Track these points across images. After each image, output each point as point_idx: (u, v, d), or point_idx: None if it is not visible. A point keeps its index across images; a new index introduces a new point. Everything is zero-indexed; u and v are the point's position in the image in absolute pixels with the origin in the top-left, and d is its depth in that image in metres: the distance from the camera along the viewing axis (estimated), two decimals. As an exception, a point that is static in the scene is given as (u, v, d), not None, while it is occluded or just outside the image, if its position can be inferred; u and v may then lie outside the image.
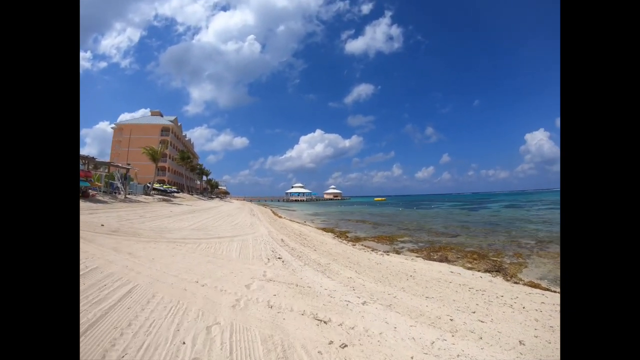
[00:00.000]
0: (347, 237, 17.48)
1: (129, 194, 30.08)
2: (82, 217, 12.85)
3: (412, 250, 13.31)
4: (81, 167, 23.78)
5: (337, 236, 17.33)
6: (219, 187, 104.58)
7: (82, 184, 20.37)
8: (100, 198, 22.76)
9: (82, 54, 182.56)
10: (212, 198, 74.49)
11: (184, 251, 8.44)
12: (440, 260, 11.01)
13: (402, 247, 14.18)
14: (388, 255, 11.73)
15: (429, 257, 11.64)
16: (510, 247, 13.78)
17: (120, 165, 31.54)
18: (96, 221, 12.35)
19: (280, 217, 30.65)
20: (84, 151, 31.13)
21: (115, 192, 28.14)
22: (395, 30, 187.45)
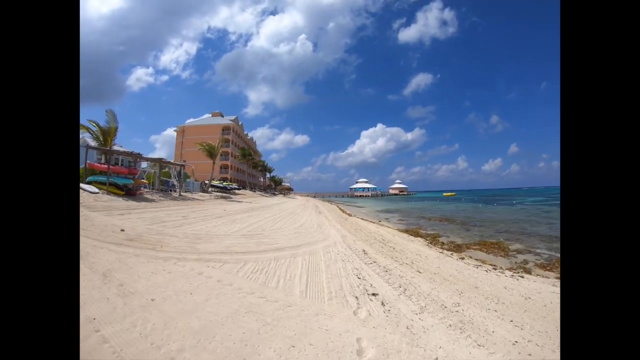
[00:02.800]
0: (443, 243, 13.57)
1: (185, 191, 28.13)
2: (105, 219, 10.07)
3: (541, 267, 9.83)
4: (126, 163, 21.84)
5: (431, 243, 13.49)
6: (283, 184, 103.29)
7: (124, 182, 18.24)
8: (149, 196, 20.56)
9: (145, 70, 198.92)
10: (275, 194, 72.62)
11: (214, 279, 5.09)
12: None
13: (526, 262, 10.53)
14: (521, 277, 7.92)
15: None
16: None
17: (172, 162, 29.54)
18: (120, 224, 9.42)
19: (349, 215, 26.98)
20: (152, 155, 29.84)
21: (170, 190, 26.32)
22: (449, 14, 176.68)
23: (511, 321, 4.80)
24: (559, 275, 8.64)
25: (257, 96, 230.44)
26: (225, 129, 73.39)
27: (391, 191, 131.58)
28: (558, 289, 6.85)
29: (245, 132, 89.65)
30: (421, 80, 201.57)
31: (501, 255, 11.55)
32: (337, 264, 7.12)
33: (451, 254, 10.98)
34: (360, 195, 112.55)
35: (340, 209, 35.12)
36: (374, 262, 7.88)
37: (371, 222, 21.28)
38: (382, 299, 5.04)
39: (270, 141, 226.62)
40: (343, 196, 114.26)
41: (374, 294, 5.22)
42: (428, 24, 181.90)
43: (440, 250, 11.49)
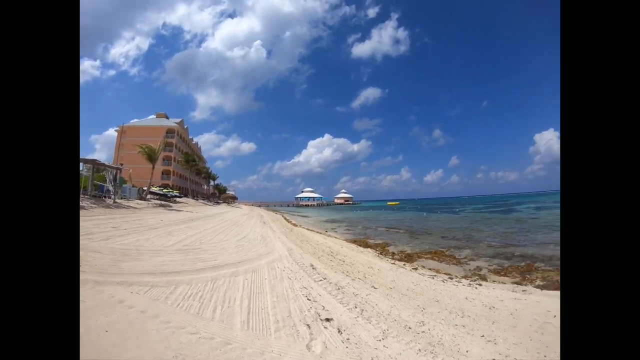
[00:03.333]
0: (394, 253, 13.29)
1: (120, 198, 26.03)
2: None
3: (495, 272, 10.06)
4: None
5: (381, 253, 13.15)
6: (227, 192, 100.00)
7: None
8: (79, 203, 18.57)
9: (91, 63, 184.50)
10: (218, 203, 69.85)
11: (137, 310, 4.23)
12: (557, 289, 7.65)
13: (479, 268, 10.64)
14: (479, 285, 7.83)
15: (537, 284, 8.42)
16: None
17: (107, 164, 27.24)
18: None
19: (295, 225, 26.23)
20: (92, 157, 27.00)
21: (104, 196, 24.12)
22: (402, 33, 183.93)
23: (482, 336, 4.46)
24: (515, 280, 8.92)
25: (206, 100, 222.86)
26: (170, 132, 68.67)
27: (336, 200, 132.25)
28: (519, 295, 6.89)
29: (191, 137, 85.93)
30: (370, 94, 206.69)
31: (453, 263, 11.55)
32: (283, 282, 6.37)
33: (404, 264, 10.71)
34: (305, 205, 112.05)
35: (285, 218, 34.25)
36: (324, 278, 7.24)
37: (318, 232, 20.70)
38: (339, 325, 4.39)
39: (216, 147, 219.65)
40: (288, 205, 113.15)
41: (328, 319, 4.54)
42: (382, 41, 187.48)
43: (392, 261, 11.14)
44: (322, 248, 12.57)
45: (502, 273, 9.99)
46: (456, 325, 4.81)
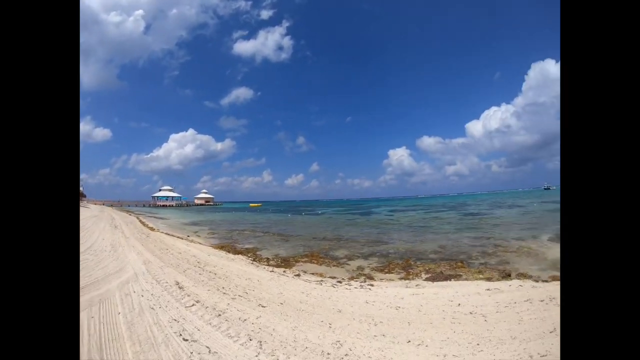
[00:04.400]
0: (269, 259, 12.49)
1: None
2: None
3: (379, 270, 10.23)
4: None
5: (255, 260, 12.21)
6: None
7: None
8: None
9: None
10: None
11: None
12: (446, 279, 8.35)
13: (361, 268, 10.70)
14: (371, 286, 7.77)
15: (424, 277, 8.83)
16: (476, 247, 13.48)
17: None
18: None
19: (152, 229, 23.33)
20: None
21: None
22: (287, 42, 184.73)
23: (409, 341, 4.22)
24: (401, 276, 9.07)
25: None
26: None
27: (197, 201, 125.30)
28: (414, 290, 7.05)
29: None
30: (242, 93, 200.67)
31: (334, 265, 11.48)
32: (144, 316, 5.00)
33: (283, 271, 10.11)
34: (163, 205, 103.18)
35: (140, 221, 30.46)
36: (197, 301, 6.06)
37: (179, 237, 18.62)
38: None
39: None
40: (144, 205, 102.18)
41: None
42: (266, 44, 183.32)
43: (270, 269, 10.43)
44: (186, 258, 11.05)
45: (385, 270, 10.06)
46: (375, 336, 4.43)
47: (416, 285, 7.65)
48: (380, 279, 8.83)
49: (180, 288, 6.95)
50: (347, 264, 11.38)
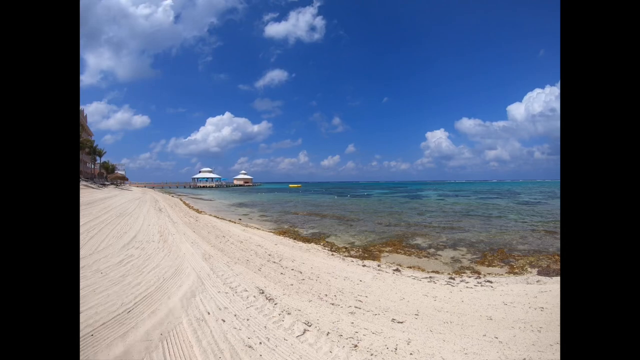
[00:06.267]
0: (348, 250, 10.34)
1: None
2: None
3: (479, 263, 9.08)
4: None
5: (333, 250, 10.10)
6: (116, 172, 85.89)
7: None
8: None
9: None
10: (105, 185, 58.80)
11: None
12: (559, 274, 7.48)
13: (456, 259, 9.46)
14: (488, 282, 6.82)
15: (541, 273, 7.90)
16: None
17: None
18: None
19: (199, 212, 21.52)
20: None
21: None
22: (320, 22, 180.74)
23: None
24: (507, 270, 8.21)
25: (97, 62, 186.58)
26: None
27: (236, 182, 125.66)
28: (539, 287, 6.36)
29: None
30: (276, 75, 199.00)
31: (424, 256, 9.75)
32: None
33: (378, 265, 8.18)
34: (203, 186, 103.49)
35: (185, 203, 28.91)
36: (307, 323, 4.11)
37: (230, 221, 16.59)
38: None
39: (106, 119, 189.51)
40: (185, 187, 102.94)
41: None
42: (298, 25, 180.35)
43: (361, 262, 8.38)
44: (251, 248, 8.85)
45: (485, 263, 8.97)
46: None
47: (537, 282, 6.82)
48: (488, 274, 7.78)
49: (268, 299, 4.72)
50: (438, 255, 9.90)
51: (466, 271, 8.06)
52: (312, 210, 25.35)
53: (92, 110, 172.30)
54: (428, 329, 4.16)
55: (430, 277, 7.16)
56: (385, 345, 3.61)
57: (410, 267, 8.25)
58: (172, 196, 40.20)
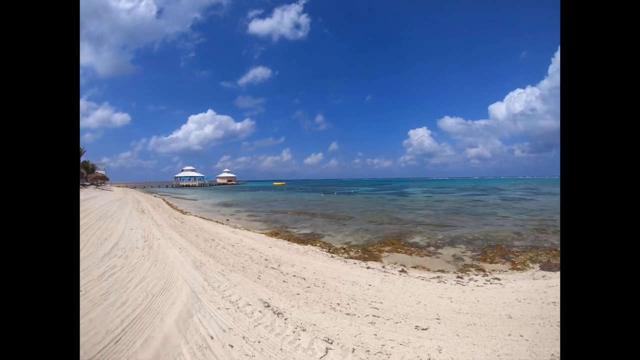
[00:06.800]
0: (346, 251, 9.79)
1: None
2: None
3: (482, 260, 8.91)
4: None
5: (331, 251, 9.55)
6: (97, 172, 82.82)
7: None
8: None
9: None
10: (84, 185, 56.40)
11: None
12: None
13: (458, 257, 9.28)
14: (496, 280, 6.71)
15: (544, 268, 7.93)
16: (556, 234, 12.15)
17: None
18: None
19: (183, 212, 20.64)
20: None
21: None
22: (305, 20, 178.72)
23: None
24: (510, 267, 8.12)
25: None
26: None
27: (219, 180, 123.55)
28: (547, 282, 6.40)
29: None
30: (259, 73, 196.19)
31: (425, 255, 9.47)
32: None
33: (382, 267, 7.76)
34: (186, 185, 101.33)
35: (168, 203, 27.87)
36: (328, 340, 3.70)
37: (218, 222, 15.83)
38: None
39: (85, 117, 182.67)
40: (167, 186, 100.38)
41: None
42: (282, 22, 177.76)
43: (364, 264, 7.97)
44: (245, 253, 8.25)
45: (487, 260, 8.81)
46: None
47: (542, 277, 6.88)
48: (493, 271, 7.70)
49: (276, 314, 4.21)
50: (439, 253, 9.68)
51: (471, 269, 7.85)
52: (301, 208, 24.75)
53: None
54: (454, 334, 3.98)
55: (438, 277, 6.87)
56: (418, 357, 3.37)
57: (415, 267, 7.88)
58: (155, 196, 38.95)
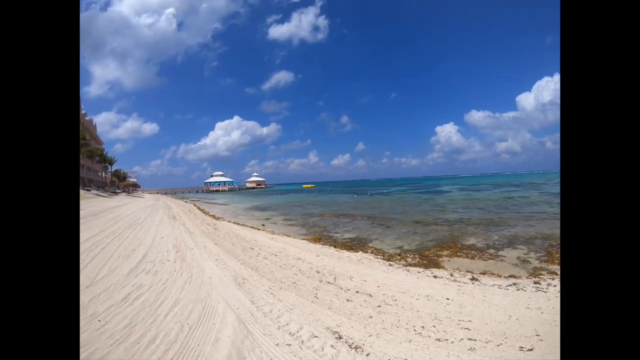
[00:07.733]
0: (403, 257, 8.68)
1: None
2: None
3: (547, 262, 8.02)
4: None
5: (385, 258, 8.38)
6: (128, 179, 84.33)
7: None
8: None
9: None
10: (116, 193, 56.93)
11: None
12: None
13: (524, 260, 8.35)
14: None
15: None
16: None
17: None
18: None
19: (216, 217, 19.83)
20: None
21: None
22: (323, 22, 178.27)
23: None
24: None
25: (103, 73, 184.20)
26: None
27: (248, 184, 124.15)
28: None
29: (84, 111, 67.99)
30: (282, 77, 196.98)
31: (489, 258, 8.59)
32: None
33: (450, 275, 6.65)
34: (216, 190, 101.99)
35: (199, 208, 27.27)
36: None
37: (254, 228, 14.84)
38: None
39: (115, 128, 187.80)
40: (197, 192, 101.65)
41: None
42: (301, 26, 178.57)
43: (429, 273, 6.84)
44: (291, 263, 7.14)
45: (556, 262, 7.95)
46: None
47: None
48: None
49: (354, 348, 3.30)
50: (502, 256, 8.80)
51: (542, 272, 7.05)
52: (337, 211, 23.61)
53: (101, 120, 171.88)
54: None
55: (513, 283, 6.05)
56: None
57: (483, 274, 6.95)
58: (186, 202, 38.63)
